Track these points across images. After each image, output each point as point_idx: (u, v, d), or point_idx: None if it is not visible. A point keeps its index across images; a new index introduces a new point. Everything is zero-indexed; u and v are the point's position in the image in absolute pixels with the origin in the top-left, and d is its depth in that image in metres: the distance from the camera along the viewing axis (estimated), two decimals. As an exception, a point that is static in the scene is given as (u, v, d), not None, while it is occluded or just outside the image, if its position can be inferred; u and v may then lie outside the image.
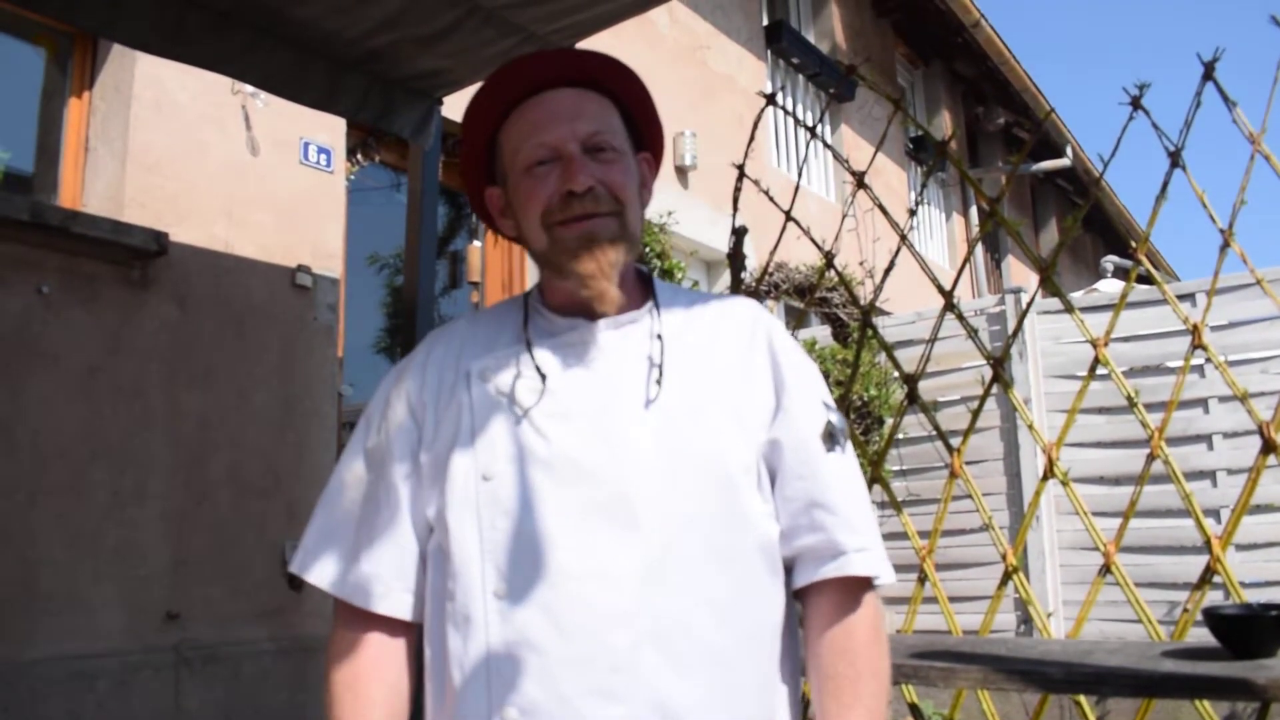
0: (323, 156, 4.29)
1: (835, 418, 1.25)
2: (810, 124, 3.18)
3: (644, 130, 1.31)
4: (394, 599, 1.22)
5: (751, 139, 3.29)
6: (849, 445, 1.26)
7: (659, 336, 1.21)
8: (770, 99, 3.25)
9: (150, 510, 3.55)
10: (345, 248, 4.49)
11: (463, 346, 1.27)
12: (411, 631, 1.26)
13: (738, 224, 3.21)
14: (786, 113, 3.46)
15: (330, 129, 4.31)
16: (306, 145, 4.23)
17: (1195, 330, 2.72)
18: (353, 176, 4.64)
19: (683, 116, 6.65)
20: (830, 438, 1.23)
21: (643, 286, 1.29)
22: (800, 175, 3.24)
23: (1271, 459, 2.53)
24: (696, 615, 1.11)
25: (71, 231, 3.38)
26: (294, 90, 3.02)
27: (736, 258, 3.20)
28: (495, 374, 1.22)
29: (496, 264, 5.39)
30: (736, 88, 7.45)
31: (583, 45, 3.62)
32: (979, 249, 11.18)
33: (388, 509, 1.23)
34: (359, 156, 4.70)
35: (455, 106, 3.69)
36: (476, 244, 5.26)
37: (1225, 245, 2.78)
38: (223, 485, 3.76)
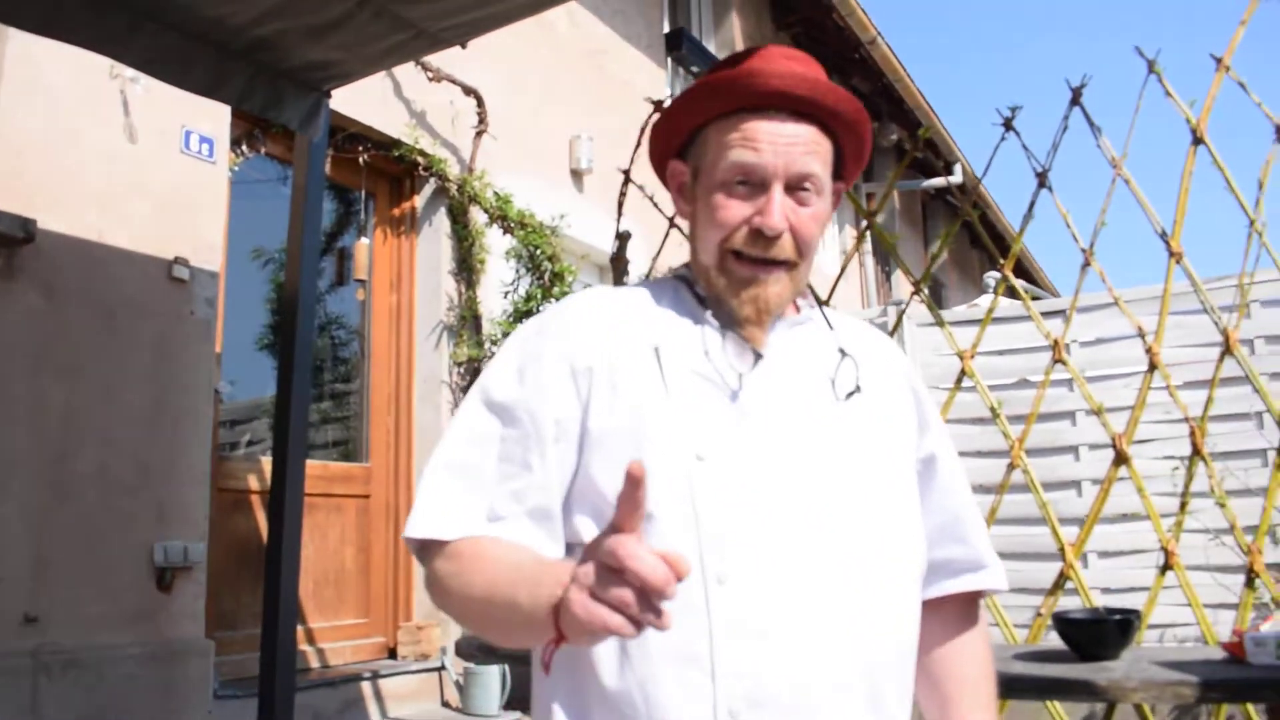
0: (205, 146, 4.16)
1: None
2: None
3: (847, 166, 1.28)
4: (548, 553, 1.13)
5: (638, 145, 3.32)
6: None
7: (841, 350, 1.22)
8: (659, 105, 3.29)
9: (9, 507, 3.40)
10: (227, 241, 4.37)
11: (640, 319, 1.20)
12: None
13: (622, 229, 3.24)
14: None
15: (214, 118, 4.19)
16: (188, 134, 4.11)
17: (1055, 345, 2.85)
18: (237, 168, 4.51)
19: (580, 120, 6.66)
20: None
21: None
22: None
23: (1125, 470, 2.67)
24: (886, 623, 1.14)
25: (-70, 214, 3.23)
26: (177, 75, 2.95)
27: (619, 261, 3.23)
28: (688, 355, 1.17)
29: (385, 261, 5.32)
30: (635, 94, 7.48)
31: (475, 43, 3.60)
32: (871, 262, 11.47)
33: (540, 471, 1.13)
34: (244, 147, 4.57)
35: (343, 99, 3.64)
36: (365, 241, 5.17)
37: (1086, 264, 2.93)
38: (89, 483, 3.62)
